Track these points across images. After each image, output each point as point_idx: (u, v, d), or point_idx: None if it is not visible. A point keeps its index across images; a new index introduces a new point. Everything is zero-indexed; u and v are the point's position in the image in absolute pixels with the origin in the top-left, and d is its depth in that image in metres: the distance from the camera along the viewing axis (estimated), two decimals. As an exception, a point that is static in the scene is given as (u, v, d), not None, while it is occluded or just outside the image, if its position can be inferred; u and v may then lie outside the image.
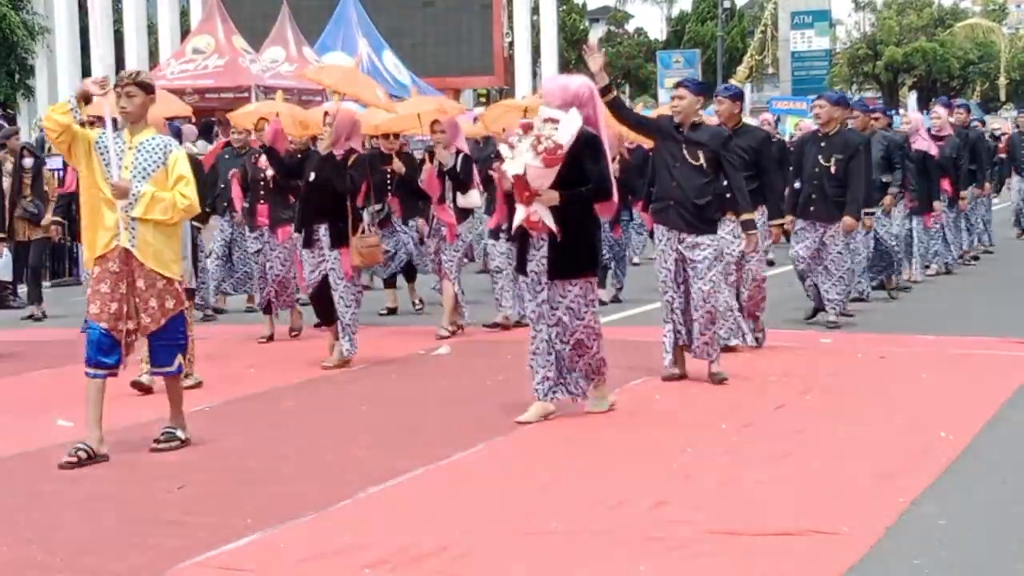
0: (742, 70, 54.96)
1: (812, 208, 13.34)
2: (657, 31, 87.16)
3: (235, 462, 8.24)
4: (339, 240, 11.61)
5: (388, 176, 15.08)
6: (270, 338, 13.59)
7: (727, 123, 11.67)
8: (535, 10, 52.78)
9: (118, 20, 49.05)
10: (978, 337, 12.75)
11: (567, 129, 8.79)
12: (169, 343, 8.57)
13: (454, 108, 16.19)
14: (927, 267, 18.30)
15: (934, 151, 17.18)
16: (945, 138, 18.32)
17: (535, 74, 49.81)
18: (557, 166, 8.81)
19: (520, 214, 9.01)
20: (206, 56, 32.99)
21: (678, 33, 78.05)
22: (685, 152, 10.35)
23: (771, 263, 17.77)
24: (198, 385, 10.68)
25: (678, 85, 10.61)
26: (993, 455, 8.18)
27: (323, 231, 11.67)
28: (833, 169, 13.27)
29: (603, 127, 9.28)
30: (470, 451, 8.33)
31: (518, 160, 8.84)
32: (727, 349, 11.30)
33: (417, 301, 16.00)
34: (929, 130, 18.11)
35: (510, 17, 50.21)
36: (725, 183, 10.57)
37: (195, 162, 14.59)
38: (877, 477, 7.56)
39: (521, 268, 9.24)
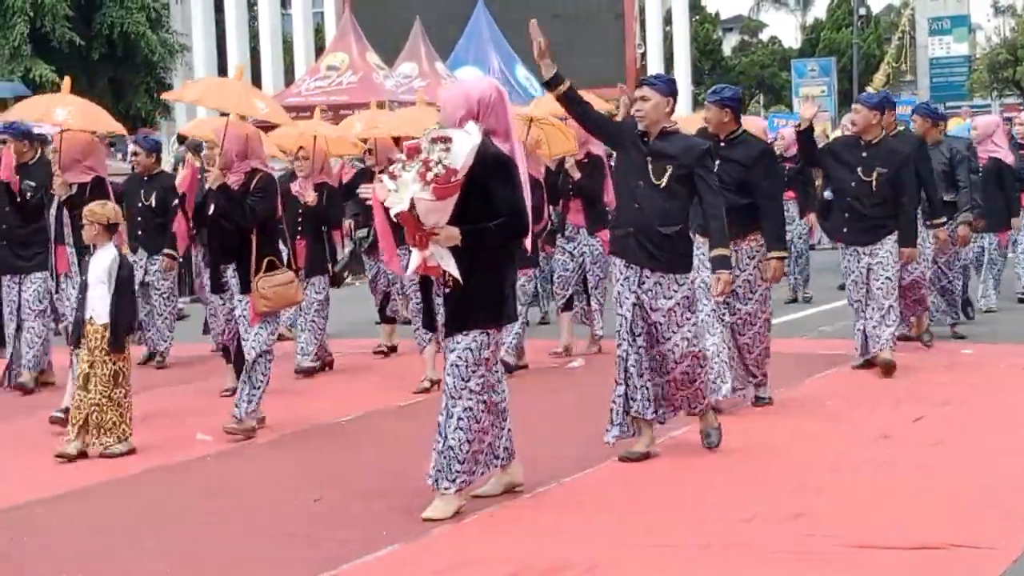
0: (879, 77, 54.22)
1: (846, 230, 11.38)
2: (791, 39, 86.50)
3: (366, 476, 8.28)
4: (248, 283, 9.68)
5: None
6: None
7: (719, 133, 9.74)
8: (667, 20, 52.71)
9: (254, 37, 49.91)
10: None
11: (461, 149, 6.95)
12: None
13: None
14: None
15: (1010, 160, 15.21)
16: None
17: (668, 85, 49.60)
18: (453, 196, 7.00)
19: (414, 259, 7.21)
20: (340, 73, 33.44)
21: (812, 41, 77.39)
22: (650, 168, 8.32)
23: None
24: (131, 451, 9.09)
25: (641, 83, 8.54)
26: None
27: (231, 273, 9.82)
28: (874, 186, 11.08)
29: (515, 140, 7.37)
30: (599, 466, 8.27)
31: (403, 193, 6.98)
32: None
33: (386, 348, 13.78)
34: (1013, 138, 16.49)
35: (642, 28, 50.21)
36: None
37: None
38: (1021, 489, 7.40)
39: (428, 323, 7.60)
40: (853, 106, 11.70)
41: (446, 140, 6.97)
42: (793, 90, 61.28)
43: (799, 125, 11.30)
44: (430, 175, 6.87)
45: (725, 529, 6.74)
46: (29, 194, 11.63)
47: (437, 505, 7.14)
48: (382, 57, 34.89)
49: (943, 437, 8.89)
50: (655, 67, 48.93)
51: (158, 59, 39.95)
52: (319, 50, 44.40)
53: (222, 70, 47.60)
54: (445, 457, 7.18)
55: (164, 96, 15.19)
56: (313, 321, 12.45)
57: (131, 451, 9.06)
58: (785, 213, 17.11)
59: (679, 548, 6.46)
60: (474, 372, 7.17)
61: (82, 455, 8.92)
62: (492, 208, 7.13)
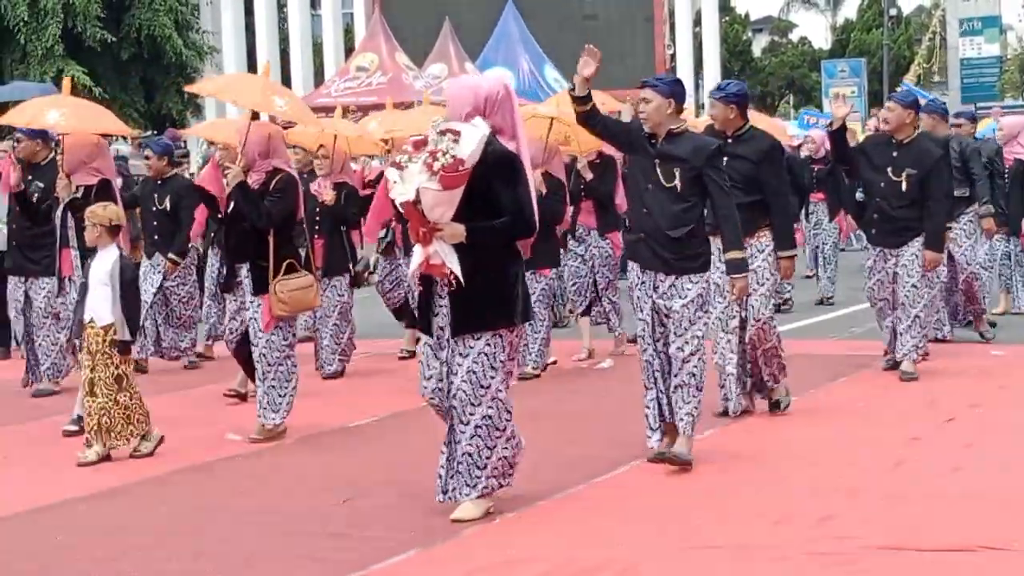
0: (909, 79, 54.05)
1: (874, 231, 11.24)
2: (821, 40, 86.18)
3: (400, 475, 8.28)
4: (261, 284, 9.44)
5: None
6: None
7: (725, 130, 9.60)
8: (697, 22, 52.65)
9: (283, 39, 50.04)
10: None
11: (470, 140, 6.83)
12: None
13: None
14: None
15: None
16: None
17: (697, 86, 49.60)
18: (460, 188, 6.85)
19: (417, 256, 7.04)
20: (370, 73, 33.47)
21: (843, 42, 77.10)
22: (659, 170, 8.12)
23: (784, 304, 15.67)
24: (160, 441, 9.12)
25: (643, 85, 8.31)
26: None
27: (244, 273, 9.61)
28: (904, 186, 10.92)
29: (522, 138, 7.20)
30: (628, 466, 8.27)
31: (408, 183, 6.87)
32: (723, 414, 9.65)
33: (408, 353, 13.40)
34: None
35: (672, 29, 50.14)
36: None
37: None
38: (1051, 492, 7.37)
39: (424, 326, 7.27)
40: (886, 104, 11.51)
41: (455, 132, 6.85)
42: (823, 91, 61.00)
43: (831, 124, 11.21)
44: (437, 164, 6.76)
45: (756, 531, 6.74)
46: (37, 196, 11.47)
47: (466, 507, 7.09)
48: (411, 58, 34.91)
49: (973, 439, 8.86)
50: (685, 68, 48.89)
51: (186, 61, 40.01)
52: (348, 51, 44.47)
53: (251, 71, 47.72)
54: (464, 465, 7.07)
55: (187, 88, 15.04)
56: (336, 325, 12.34)
57: (160, 441, 9.04)
58: (813, 216, 17.31)
59: (713, 549, 6.46)
60: (493, 377, 7.03)
61: (106, 459, 8.89)
62: (497, 207, 6.99)
